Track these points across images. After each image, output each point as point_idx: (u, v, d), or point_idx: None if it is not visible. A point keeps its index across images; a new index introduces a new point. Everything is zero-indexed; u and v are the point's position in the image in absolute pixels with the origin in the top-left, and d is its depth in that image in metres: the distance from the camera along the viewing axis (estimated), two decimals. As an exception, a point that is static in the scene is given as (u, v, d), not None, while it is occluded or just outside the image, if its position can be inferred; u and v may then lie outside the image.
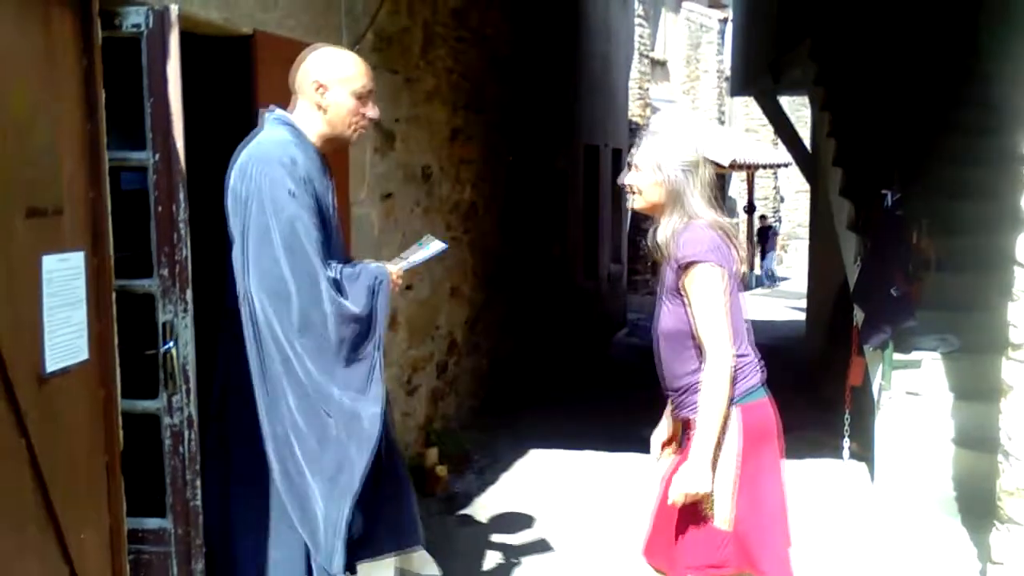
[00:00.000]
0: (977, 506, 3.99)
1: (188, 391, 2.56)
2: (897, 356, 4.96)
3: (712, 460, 2.54)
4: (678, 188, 2.60)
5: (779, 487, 2.70)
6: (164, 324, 2.54)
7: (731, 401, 2.56)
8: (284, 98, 3.58)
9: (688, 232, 2.57)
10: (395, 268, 2.73)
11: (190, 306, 2.55)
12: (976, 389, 4.63)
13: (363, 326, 2.57)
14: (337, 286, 2.54)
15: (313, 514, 2.54)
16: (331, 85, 2.62)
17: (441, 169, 5.46)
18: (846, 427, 5.51)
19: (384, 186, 4.72)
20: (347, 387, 2.54)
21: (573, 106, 9.75)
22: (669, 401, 2.81)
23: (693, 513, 2.62)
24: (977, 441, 4.45)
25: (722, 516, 2.58)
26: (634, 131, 16.02)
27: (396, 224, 4.90)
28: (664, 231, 2.62)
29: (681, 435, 2.83)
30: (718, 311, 2.53)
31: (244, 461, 2.61)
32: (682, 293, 2.59)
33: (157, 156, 2.51)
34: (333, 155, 4.06)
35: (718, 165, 15.24)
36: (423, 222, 5.28)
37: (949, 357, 4.99)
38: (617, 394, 7.83)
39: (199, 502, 2.60)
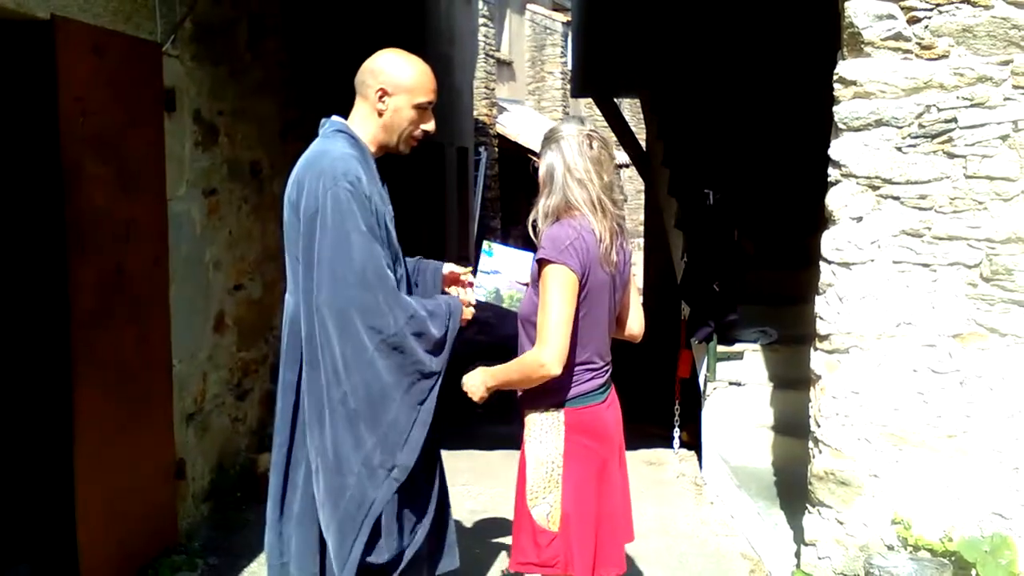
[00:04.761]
0: (794, 490, 4.19)
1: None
2: (721, 348, 5.17)
3: (497, 385, 2.63)
4: (549, 169, 2.60)
5: (614, 490, 2.71)
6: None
7: (558, 404, 2.57)
8: (93, 91, 3.37)
9: (554, 227, 2.53)
10: (469, 295, 2.82)
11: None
12: (793, 378, 4.86)
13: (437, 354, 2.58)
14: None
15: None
16: (394, 93, 2.57)
17: (272, 166, 5.28)
18: (676, 417, 5.71)
19: (207, 182, 4.51)
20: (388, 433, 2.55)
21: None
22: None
23: (524, 511, 2.63)
24: (794, 428, 4.67)
25: (545, 515, 2.59)
26: (480, 130, 16.08)
27: (222, 222, 4.70)
28: (533, 212, 2.62)
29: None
30: (559, 315, 2.47)
31: None
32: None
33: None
34: (152, 149, 3.91)
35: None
36: (253, 221, 5.10)
37: (769, 348, 5.23)
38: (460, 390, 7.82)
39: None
